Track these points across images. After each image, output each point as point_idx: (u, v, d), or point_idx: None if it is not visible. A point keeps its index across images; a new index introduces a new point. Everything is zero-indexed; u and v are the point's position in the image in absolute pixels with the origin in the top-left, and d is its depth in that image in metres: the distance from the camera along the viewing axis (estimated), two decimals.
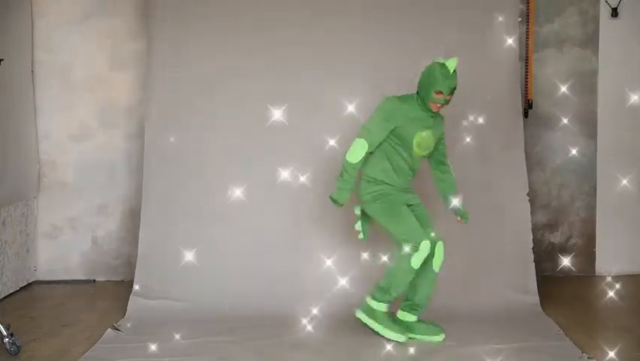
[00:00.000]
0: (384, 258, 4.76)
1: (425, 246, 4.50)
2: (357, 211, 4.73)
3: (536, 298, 5.33)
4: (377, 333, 4.59)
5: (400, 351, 4.44)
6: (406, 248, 4.49)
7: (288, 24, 5.64)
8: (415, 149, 4.56)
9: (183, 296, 5.28)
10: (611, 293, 5.87)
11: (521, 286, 5.37)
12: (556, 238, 6.32)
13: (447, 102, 4.53)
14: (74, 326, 4.97)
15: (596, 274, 6.29)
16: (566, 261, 6.29)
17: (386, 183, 4.60)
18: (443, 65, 4.46)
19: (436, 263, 4.66)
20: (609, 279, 6.16)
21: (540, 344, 4.50)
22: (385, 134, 4.53)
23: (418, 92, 4.57)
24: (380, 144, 4.57)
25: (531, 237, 5.54)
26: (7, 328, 4.36)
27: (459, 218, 4.77)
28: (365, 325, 4.64)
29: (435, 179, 4.82)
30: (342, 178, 4.53)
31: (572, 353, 4.35)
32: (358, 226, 4.74)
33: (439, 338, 4.65)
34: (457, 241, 5.44)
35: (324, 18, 5.66)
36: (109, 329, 4.79)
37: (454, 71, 4.48)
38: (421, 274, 4.65)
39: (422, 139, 4.55)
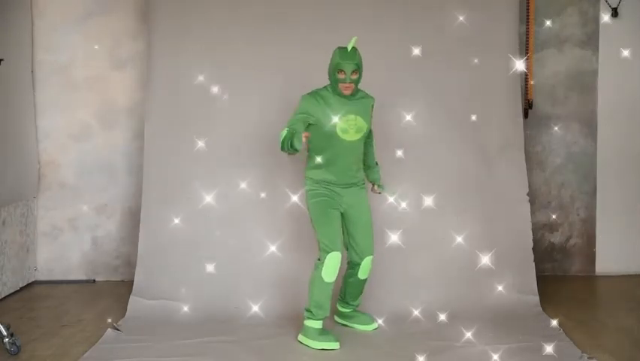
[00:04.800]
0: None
1: (332, 258, 4.53)
2: None
3: (536, 298, 5.33)
4: (314, 349, 4.53)
5: (401, 351, 4.44)
6: (320, 256, 4.57)
7: (289, 24, 5.64)
8: (340, 134, 4.56)
9: (183, 296, 5.27)
10: (610, 293, 5.88)
11: (521, 286, 5.37)
12: (556, 238, 6.32)
13: (354, 81, 4.55)
14: (74, 326, 4.97)
15: (596, 274, 6.29)
16: (566, 261, 6.29)
17: (322, 181, 4.64)
18: (342, 47, 4.55)
19: (362, 273, 4.78)
20: (609, 279, 6.17)
21: (540, 344, 4.49)
22: (303, 125, 4.54)
23: (330, 82, 4.65)
24: (311, 142, 4.63)
25: (531, 237, 5.54)
26: (7, 328, 4.37)
27: (376, 187, 4.86)
28: (306, 346, 4.59)
29: None
30: (282, 137, 4.47)
31: (572, 353, 4.35)
32: None
33: (371, 327, 4.87)
34: (458, 241, 5.45)
35: (328, 17, 5.66)
36: (109, 329, 4.79)
37: (353, 48, 4.53)
38: (348, 279, 4.83)
39: (346, 123, 4.56)
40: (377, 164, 4.91)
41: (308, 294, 4.61)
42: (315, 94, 4.61)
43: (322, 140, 4.60)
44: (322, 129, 4.56)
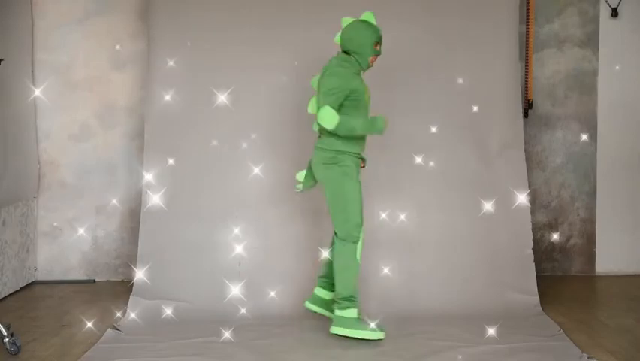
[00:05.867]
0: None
1: (361, 235, 4.51)
2: (300, 177, 4.69)
3: (536, 298, 5.33)
4: (357, 339, 4.49)
5: (402, 351, 4.44)
6: (344, 239, 4.42)
7: (289, 24, 5.63)
8: (367, 103, 4.58)
9: (183, 296, 5.28)
10: (610, 293, 5.88)
11: (521, 286, 5.37)
12: (556, 238, 6.32)
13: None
14: (74, 326, 4.96)
15: (596, 274, 6.29)
16: (565, 261, 6.29)
17: (356, 154, 4.53)
18: (366, 22, 4.54)
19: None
20: (609, 279, 6.17)
21: (540, 344, 4.50)
22: (344, 97, 4.43)
23: (348, 53, 4.54)
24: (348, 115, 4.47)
25: (531, 237, 5.54)
26: (7, 328, 4.36)
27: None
28: (345, 337, 4.52)
29: None
30: (357, 130, 4.38)
31: (572, 353, 4.35)
32: (300, 176, 4.69)
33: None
34: (458, 241, 5.46)
35: (328, 17, 5.65)
36: (109, 329, 4.79)
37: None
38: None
39: (368, 95, 4.62)
40: None
41: (341, 282, 4.45)
42: (344, 65, 4.49)
43: (351, 109, 4.44)
44: (356, 99, 4.46)
